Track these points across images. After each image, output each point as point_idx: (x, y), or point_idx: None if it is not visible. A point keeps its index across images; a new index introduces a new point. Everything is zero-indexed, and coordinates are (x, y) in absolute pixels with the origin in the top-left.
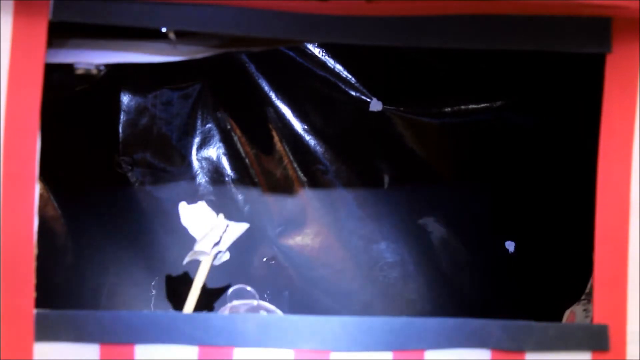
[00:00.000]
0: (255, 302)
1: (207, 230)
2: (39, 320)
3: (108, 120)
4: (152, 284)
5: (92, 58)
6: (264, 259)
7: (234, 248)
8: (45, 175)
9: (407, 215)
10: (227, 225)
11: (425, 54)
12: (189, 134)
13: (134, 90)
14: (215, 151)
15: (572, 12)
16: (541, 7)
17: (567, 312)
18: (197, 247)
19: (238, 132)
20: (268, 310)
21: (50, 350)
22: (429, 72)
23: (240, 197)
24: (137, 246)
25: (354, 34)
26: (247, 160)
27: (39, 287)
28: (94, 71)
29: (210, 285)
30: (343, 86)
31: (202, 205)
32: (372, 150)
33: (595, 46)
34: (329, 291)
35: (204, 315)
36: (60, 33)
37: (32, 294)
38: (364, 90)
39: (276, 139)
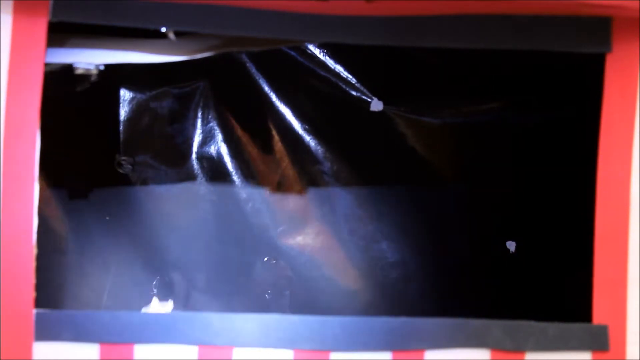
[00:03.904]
0: None
1: None
2: (39, 320)
3: (109, 120)
4: (154, 283)
5: (92, 58)
6: (265, 259)
7: (235, 248)
8: (46, 175)
9: (408, 215)
10: None
11: (426, 53)
12: (189, 133)
13: (134, 90)
14: (216, 151)
15: (572, 12)
16: (541, 7)
17: None
18: None
19: (239, 132)
20: None
21: (50, 350)
22: (429, 72)
23: (241, 197)
24: (138, 246)
25: (354, 34)
26: (248, 160)
27: (39, 287)
28: (94, 71)
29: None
30: (344, 86)
31: None
32: (373, 150)
33: (595, 46)
34: (330, 291)
35: (203, 315)
36: (60, 33)
37: (32, 294)
38: (365, 90)
39: (277, 138)
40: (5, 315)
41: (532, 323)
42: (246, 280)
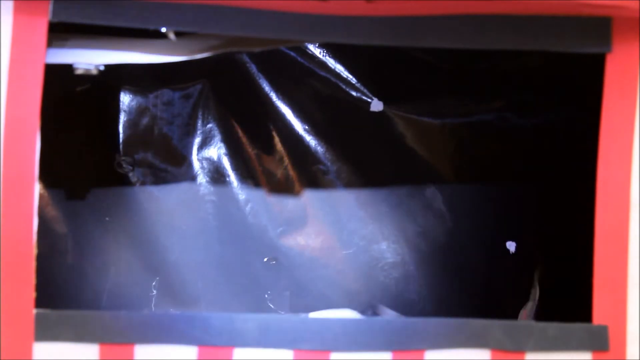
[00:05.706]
0: None
1: None
2: (39, 320)
3: (109, 120)
4: (153, 284)
5: (92, 58)
6: (265, 259)
7: (235, 248)
8: (46, 175)
9: (408, 215)
10: None
11: (426, 53)
12: (189, 134)
13: (134, 91)
14: (216, 151)
15: (572, 12)
16: (541, 7)
17: (522, 312)
18: None
19: (239, 132)
20: None
21: (50, 350)
22: (429, 72)
23: (241, 197)
24: (138, 246)
25: (354, 34)
26: (248, 161)
27: (40, 288)
28: (94, 71)
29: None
30: (344, 86)
31: None
32: (373, 151)
33: (595, 46)
34: (330, 291)
35: (203, 315)
36: (60, 33)
37: (32, 294)
38: (365, 91)
39: (277, 139)
40: (5, 315)
41: (532, 323)
42: (246, 280)
